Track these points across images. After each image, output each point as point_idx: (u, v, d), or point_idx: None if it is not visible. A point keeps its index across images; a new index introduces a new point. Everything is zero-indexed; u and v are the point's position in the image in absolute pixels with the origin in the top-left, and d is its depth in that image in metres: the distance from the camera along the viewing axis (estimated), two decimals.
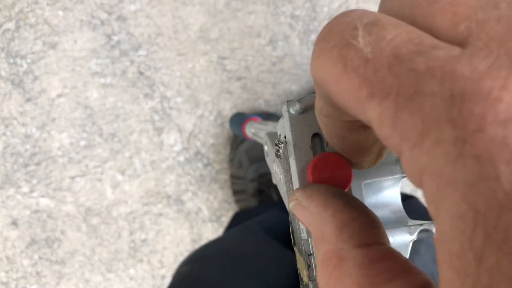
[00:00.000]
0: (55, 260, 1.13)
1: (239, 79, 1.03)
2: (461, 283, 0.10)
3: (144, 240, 1.12)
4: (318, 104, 0.15)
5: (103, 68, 1.03)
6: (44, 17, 1.01)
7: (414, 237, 0.21)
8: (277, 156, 0.24)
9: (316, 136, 0.21)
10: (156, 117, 1.05)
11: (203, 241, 1.13)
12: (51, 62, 1.03)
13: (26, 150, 1.07)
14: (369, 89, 0.12)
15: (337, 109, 0.14)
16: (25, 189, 1.09)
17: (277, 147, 0.24)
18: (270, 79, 1.03)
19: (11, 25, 1.02)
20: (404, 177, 0.22)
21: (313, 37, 1.01)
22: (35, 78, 1.04)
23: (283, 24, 1.01)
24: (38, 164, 1.08)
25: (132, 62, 1.02)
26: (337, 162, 0.19)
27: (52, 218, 1.11)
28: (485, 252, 0.10)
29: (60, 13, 1.01)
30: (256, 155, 1.00)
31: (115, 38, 1.02)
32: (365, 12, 0.13)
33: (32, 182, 1.09)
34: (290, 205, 0.19)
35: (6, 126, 1.06)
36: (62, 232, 1.12)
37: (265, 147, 0.34)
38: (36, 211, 1.11)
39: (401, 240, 0.21)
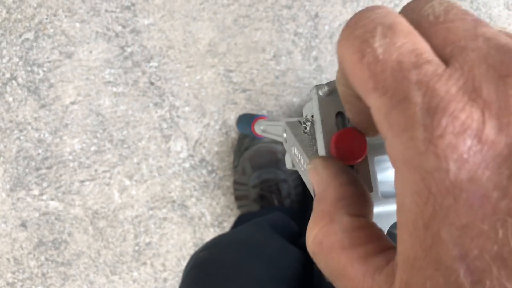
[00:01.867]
0: (61, 261, 1.17)
1: (244, 91, 1.10)
2: (411, 242, 0.14)
3: (148, 244, 1.17)
4: (338, 74, 0.20)
5: (116, 77, 1.09)
6: (62, 28, 1.07)
7: None
8: (304, 132, 0.29)
9: (339, 114, 0.25)
10: (165, 125, 1.11)
11: None
12: (67, 71, 1.09)
13: (38, 154, 1.12)
14: (374, 84, 0.15)
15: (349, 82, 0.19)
16: (36, 191, 1.14)
17: (304, 125, 0.28)
18: (273, 92, 1.10)
19: (30, 35, 1.08)
20: None
21: (315, 53, 1.08)
22: (51, 86, 1.09)
23: (286, 40, 1.08)
24: (49, 168, 1.13)
25: (143, 72, 1.08)
26: (355, 136, 0.24)
27: (60, 220, 1.15)
28: (430, 222, 0.13)
29: (77, 25, 1.07)
30: (258, 162, 1.05)
31: (129, 49, 1.08)
32: (387, 13, 0.16)
33: (42, 185, 1.14)
34: (308, 167, 0.23)
35: (21, 130, 1.11)
36: (69, 234, 1.16)
37: (284, 135, 0.38)
38: (45, 214, 1.15)
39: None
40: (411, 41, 0.15)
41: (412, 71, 0.15)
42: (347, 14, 1.07)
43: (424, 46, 0.15)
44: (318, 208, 0.20)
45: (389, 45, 0.15)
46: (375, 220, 0.21)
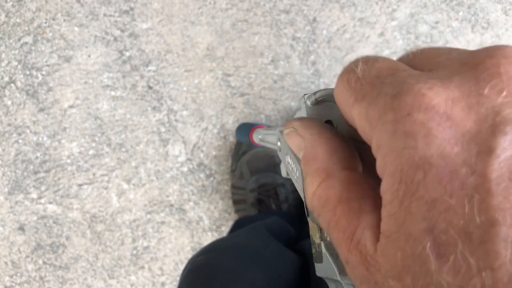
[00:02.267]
0: (59, 265, 1.17)
1: (242, 95, 1.10)
2: (388, 220, 0.15)
3: (146, 248, 1.17)
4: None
5: (114, 81, 1.09)
6: (61, 32, 1.08)
7: None
8: None
9: (328, 122, 0.26)
10: (163, 129, 1.11)
11: None
12: (65, 75, 1.09)
13: (36, 157, 1.12)
14: (354, 96, 0.17)
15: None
16: (34, 195, 1.14)
17: None
18: (271, 96, 1.10)
19: (29, 39, 1.08)
20: None
21: (313, 57, 1.09)
22: (49, 89, 1.10)
23: (284, 45, 1.09)
24: (47, 171, 1.13)
25: (142, 76, 1.09)
26: None
27: (58, 224, 1.15)
28: (404, 198, 0.14)
29: (76, 29, 1.08)
30: (256, 166, 1.05)
31: (127, 53, 1.08)
32: (369, 56, 0.19)
33: (40, 189, 1.14)
34: (285, 132, 0.23)
35: (19, 134, 1.11)
36: (67, 238, 1.16)
37: (278, 143, 0.39)
38: (43, 217, 1.15)
39: None
40: (391, 62, 0.17)
41: (388, 77, 0.16)
42: (345, 19, 1.07)
43: (402, 65, 0.17)
44: (311, 167, 0.20)
45: (369, 67, 0.17)
46: None
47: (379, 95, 0.15)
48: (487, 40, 1.06)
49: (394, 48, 1.07)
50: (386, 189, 0.15)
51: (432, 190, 0.13)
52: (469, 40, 1.06)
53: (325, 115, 0.25)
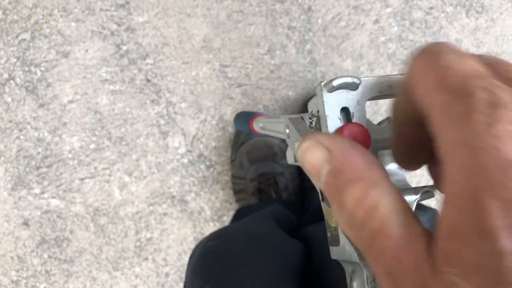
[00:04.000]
0: (64, 259, 1.19)
1: (239, 85, 1.11)
2: (457, 213, 0.15)
3: (149, 239, 1.18)
4: (398, 100, 0.22)
5: (112, 75, 1.10)
6: (58, 28, 1.08)
7: (418, 196, 0.27)
8: (310, 127, 0.30)
9: (344, 109, 0.26)
10: (162, 122, 1.12)
11: None
12: (64, 70, 1.10)
13: (38, 153, 1.14)
14: (439, 83, 0.17)
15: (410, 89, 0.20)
16: (37, 190, 1.15)
17: (310, 120, 0.29)
18: (268, 86, 1.11)
19: (26, 35, 1.09)
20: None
21: (309, 46, 1.09)
22: (48, 85, 1.11)
23: (280, 34, 1.09)
24: (49, 166, 1.14)
25: (139, 70, 1.10)
26: (359, 130, 0.25)
27: (61, 218, 1.17)
28: (478, 193, 0.14)
29: (73, 24, 1.08)
30: (255, 156, 1.06)
31: (124, 47, 1.09)
32: (454, 46, 0.19)
33: (43, 184, 1.15)
34: (307, 143, 0.21)
35: (20, 130, 1.13)
36: (71, 231, 1.17)
37: (287, 130, 0.39)
38: (46, 212, 1.17)
39: (407, 199, 0.26)
40: (475, 60, 0.17)
41: (478, 79, 0.16)
42: (340, 7, 1.07)
43: (486, 70, 0.17)
44: (348, 176, 0.19)
45: (456, 60, 0.17)
46: None
47: (470, 95, 0.16)
48: (482, 24, 1.06)
49: (389, 35, 1.07)
50: (457, 181, 0.15)
51: (510, 191, 0.14)
52: (464, 25, 1.07)
53: (342, 101, 0.26)
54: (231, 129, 1.12)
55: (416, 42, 1.07)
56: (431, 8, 1.06)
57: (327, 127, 0.25)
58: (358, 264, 0.23)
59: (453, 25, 1.07)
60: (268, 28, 1.09)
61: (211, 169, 1.15)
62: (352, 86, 0.26)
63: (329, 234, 0.27)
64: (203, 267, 0.62)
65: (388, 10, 1.07)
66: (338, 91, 0.26)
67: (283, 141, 1.03)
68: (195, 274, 0.62)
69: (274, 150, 1.05)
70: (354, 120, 0.26)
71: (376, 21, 1.07)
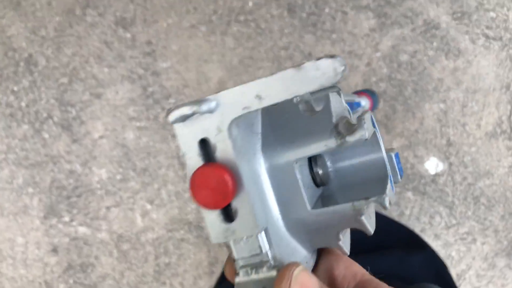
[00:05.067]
0: (88, 284, 1.28)
1: None
2: None
3: (167, 264, 1.28)
4: None
5: (139, 114, 1.25)
6: (93, 73, 1.25)
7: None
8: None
9: (203, 142, 0.21)
10: (181, 154, 1.26)
11: (219, 264, 1.28)
12: (96, 109, 1.26)
13: (69, 184, 1.27)
14: None
15: None
16: (66, 218, 1.27)
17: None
18: None
19: (65, 79, 1.26)
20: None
21: None
22: (82, 123, 1.26)
23: None
24: (79, 196, 1.27)
25: (163, 108, 1.25)
26: (211, 173, 0.20)
27: (88, 244, 1.28)
28: None
29: (106, 69, 1.25)
30: None
31: (150, 89, 1.25)
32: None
33: (72, 212, 1.27)
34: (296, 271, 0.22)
35: (54, 163, 1.26)
36: (96, 257, 1.28)
37: None
38: (74, 239, 1.28)
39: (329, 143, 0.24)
40: None
41: None
42: (336, 52, 1.25)
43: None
44: None
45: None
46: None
47: None
48: (459, 65, 1.23)
49: (380, 75, 1.24)
50: None
51: None
52: (444, 66, 1.23)
53: (198, 132, 0.22)
54: None
55: (404, 81, 1.23)
56: (415, 52, 1.24)
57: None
58: None
59: (435, 66, 1.23)
60: (275, 71, 1.25)
61: None
62: (204, 111, 0.20)
63: None
64: None
65: (378, 54, 1.24)
66: (190, 119, 0.21)
67: None
68: None
69: None
70: (218, 153, 0.21)
71: (368, 64, 1.24)
